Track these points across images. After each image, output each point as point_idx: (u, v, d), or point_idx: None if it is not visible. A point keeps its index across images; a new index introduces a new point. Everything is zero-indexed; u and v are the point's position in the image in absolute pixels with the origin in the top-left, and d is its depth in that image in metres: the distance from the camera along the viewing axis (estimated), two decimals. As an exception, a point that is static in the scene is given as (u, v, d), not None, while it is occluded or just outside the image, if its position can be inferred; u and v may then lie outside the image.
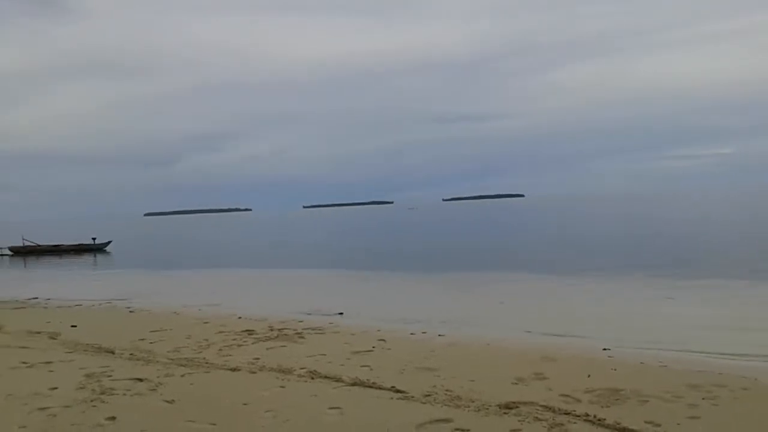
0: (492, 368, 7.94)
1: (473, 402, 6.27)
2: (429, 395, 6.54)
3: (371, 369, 7.83)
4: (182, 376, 7.53)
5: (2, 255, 42.18)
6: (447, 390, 6.74)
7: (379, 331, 11.04)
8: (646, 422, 5.58)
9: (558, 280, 18.87)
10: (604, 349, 9.24)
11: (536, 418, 5.75)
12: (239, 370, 7.97)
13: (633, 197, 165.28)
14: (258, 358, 8.65)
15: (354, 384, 7.10)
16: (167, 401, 6.34)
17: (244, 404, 6.24)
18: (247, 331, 11.09)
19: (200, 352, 9.27)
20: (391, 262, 27.52)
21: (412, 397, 6.52)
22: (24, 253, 42.61)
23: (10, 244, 43.42)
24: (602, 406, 6.12)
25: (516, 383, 7.12)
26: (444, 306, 14.71)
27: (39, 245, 43.90)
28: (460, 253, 31.18)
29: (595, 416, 5.78)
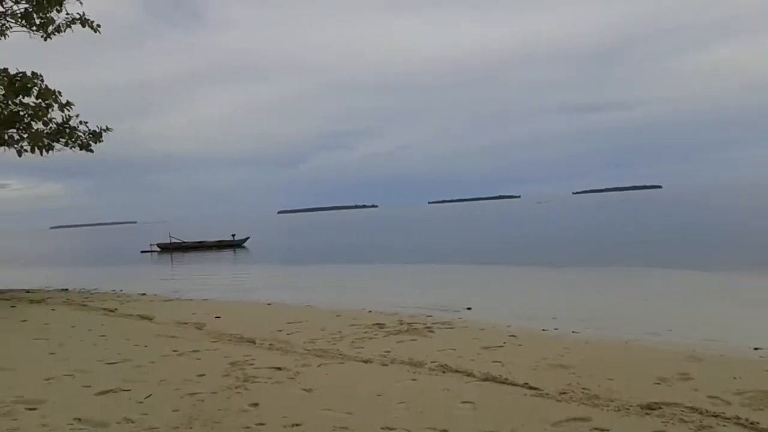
0: (632, 367, 7.58)
1: (612, 401, 6.02)
2: (564, 393, 6.36)
3: (503, 365, 7.73)
4: (318, 366, 7.78)
5: (152, 251, 45.55)
6: (584, 388, 6.52)
7: (509, 326, 10.89)
8: (807, 429, 5.13)
9: (704, 277, 17.73)
10: (756, 349, 8.58)
11: (681, 419, 5.44)
12: (371, 362, 8.12)
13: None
14: (389, 351, 8.78)
15: (486, 379, 7.03)
16: (305, 390, 6.57)
17: (378, 395, 6.34)
18: (377, 324, 11.28)
19: (334, 343, 9.54)
20: (519, 257, 27.05)
21: (547, 394, 6.36)
22: (171, 249, 45.77)
23: (158, 241, 46.81)
24: (755, 409, 5.69)
25: (658, 383, 6.77)
26: (577, 302, 14.25)
27: (184, 242, 47.01)
28: (592, 248, 30.04)
29: (747, 419, 5.39)
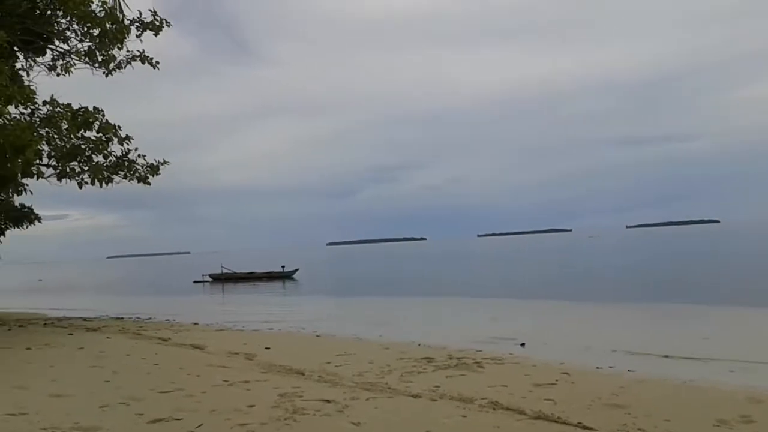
0: (690, 408, 7.32)
1: (670, 444, 5.80)
2: (620, 434, 6.16)
3: (555, 403, 7.54)
4: (367, 399, 7.73)
5: (204, 282, 46.32)
6: (639, 429, 6.31)
7: (562, 363, 10.64)
8: None
9: (765, 315, 17.05)
10: (825, 393, 8.17)
11: (746, 466, 5.20)
12: (420, 396, 8.03)
13: None
14: (438, 386, 8.67)
15: (538, 417, 6.85)
16: (354, 423, 6.53)
17: (427, 431, 6.25)
18: (426, 358, 11.17)
19: (382, 377, 9.47)
20: (571, 291, 26.51)
21: (602, 434, 6.17)
22: (222, 279, 46.44)
23: (210, 272, 47.59)
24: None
25: (718, 425, 6.51)
26: (633, 339, 13.83)
27: (235, 273, 47.65)
28: (647, 283, 29.26)
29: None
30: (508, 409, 7.27)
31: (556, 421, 6.70)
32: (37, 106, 15.56)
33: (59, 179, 16.49)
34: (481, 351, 12.17)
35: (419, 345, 13.17)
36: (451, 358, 11.15)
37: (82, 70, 16.96)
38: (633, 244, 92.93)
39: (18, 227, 20.40)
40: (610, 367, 10.44)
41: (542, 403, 7.49)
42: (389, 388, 8.61)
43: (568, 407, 7.29)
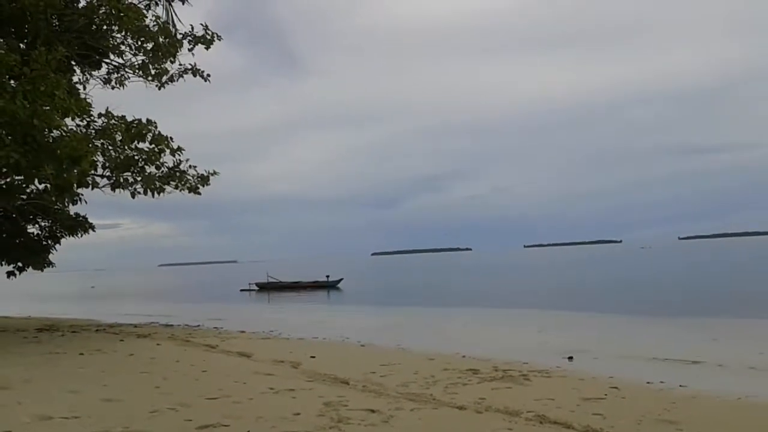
0: (743, 426, 7.11)
1: (725, 462, 5.62)
2: (672, 451, 6.00)
3: (604, 418, 7.39)
4: (411, 410, 7.69)
5: (250, 290, 46.94)
6: (692, 446, 6.13)
7: (611, 377, 10.44)
8: None
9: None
10: None
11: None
12: (465, 408, 7.96)
13: None
14: (484, 398, 8.59)
15: (586, 432, 6.73)
16: (398, 434, 6.51)
17: (472, 444, 6.20)
18: (471, 370, 11.09)
19: (427, 388, 9.44)
20: (621, 304, 25.94)
21: (652, 451, 6.01)
22: (268, 288, 46.99)
23: (257, 280, 48.20)
24: None
25: (776, 445, 6.28)
26: (684, 354, 13.46)
27: (281, 282, 48.15)
28: (700, 296, 28.41)
29: None
30: (555, 422, 7.17)
31: (605, 437, 6.56)
32: (92, 118, 16.00)
33: (113, 189, 16.87)
34: (527, 363, 12.01)
35: (464, 356, 13.08)
36: (496, 370, 11.05)
37: (135, 83, 17.42)
38: (685, 256, 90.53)
39: (72, 236, 20.94)
40: (661, 381, 10.18)
41: (590, 418, 7.36)
42: (434, 399, 8.57)
43: (617, 422, 7.14)
